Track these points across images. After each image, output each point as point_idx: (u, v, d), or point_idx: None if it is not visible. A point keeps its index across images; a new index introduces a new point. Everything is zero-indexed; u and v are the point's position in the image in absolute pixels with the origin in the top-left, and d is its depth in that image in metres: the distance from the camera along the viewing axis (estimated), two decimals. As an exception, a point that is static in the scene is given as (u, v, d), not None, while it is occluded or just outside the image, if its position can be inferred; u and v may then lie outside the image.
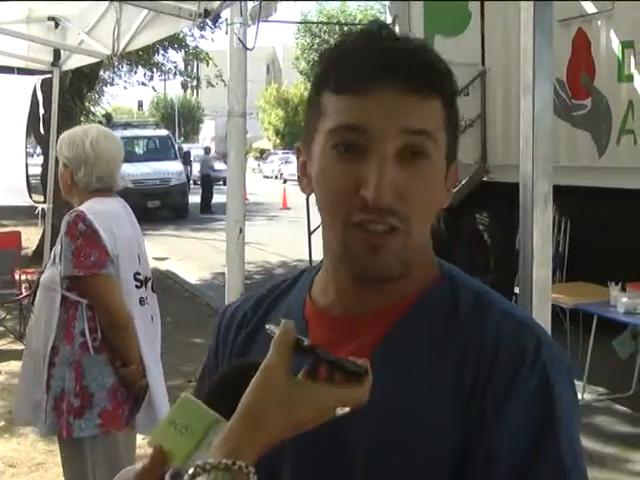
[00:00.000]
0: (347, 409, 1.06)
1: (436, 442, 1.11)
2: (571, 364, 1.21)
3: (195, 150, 38.88)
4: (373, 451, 1.14)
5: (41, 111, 7.82)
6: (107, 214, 3.48)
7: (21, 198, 8.62)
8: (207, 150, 30.19)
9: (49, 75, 7.54)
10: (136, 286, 3.58)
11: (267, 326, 1.14)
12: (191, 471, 1.01)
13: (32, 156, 17.60)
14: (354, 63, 1.13)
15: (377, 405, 1.11)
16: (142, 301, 3.61)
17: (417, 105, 1.12)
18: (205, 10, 4.35)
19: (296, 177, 1.29)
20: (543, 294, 1.95)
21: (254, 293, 1.41)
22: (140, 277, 3.62)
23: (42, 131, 7.96)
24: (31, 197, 8.91)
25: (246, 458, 1.01)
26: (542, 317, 1.95)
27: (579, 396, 6.84)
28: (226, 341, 1.36)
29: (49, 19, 6.64)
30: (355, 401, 1.05)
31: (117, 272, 3.45)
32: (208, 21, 4.67)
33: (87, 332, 3.37)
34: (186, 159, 27.79)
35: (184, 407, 1.13)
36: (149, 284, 3.68)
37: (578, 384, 6.91)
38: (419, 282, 1.21)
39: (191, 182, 27.63)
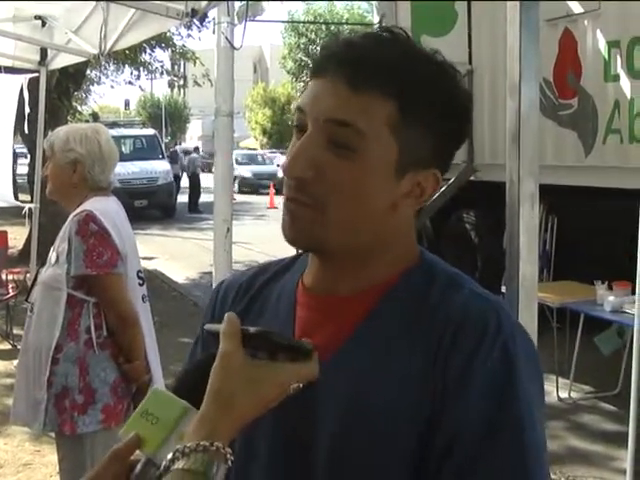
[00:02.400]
0: (300, 385, 1.12)
1: (403, 426, 1.14)
2: (531, 339, 1.24)
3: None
4: (340, 431, 1.17)
5: (27, 110, 7.79)
6: (112, 213, 3.51)
7: (6, 200, 8.58)
8: (196, 149, 30.11)
9: (36, 74, 7.52)
10: (139, 284, 3.63)
11: (205, 326, 1.23)
12: (170, 456, 1.05)
13: (25, 157, 17.53)
14: (321, 53, 1.20)
15: (346, 389, 1.17)
16: (144, 298, 3.66)
17: (347, 97, 1.14)
18: (192, 9, 4.35)
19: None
20: (530, 292, 1.96)
21: (249, 270, 1.45)
22: (142, 275, 3.68)
23: (27, 130, 7.93)
24: (17, 197, 8.88)
25: (221, 439, 1.05)
26: (529, 315, 1.96)
27: (566, 394, 6.88)
28: (223, 311, 1.36)
29: (36, 18, 6.63)
30: (307, 376, 1.12)
31: (125, 270, 3.49)
32: (195, 20, 4.68)
33: (92, 329, 3.39)
34: (173, 158, 27.69)
35: (155, 399, 1.16)
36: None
37: (565, 382, 6.95)
38: (397, 268, 1.25)
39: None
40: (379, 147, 1.15)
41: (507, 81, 1.99)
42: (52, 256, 3.49)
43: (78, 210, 3.43)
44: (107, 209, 3.50)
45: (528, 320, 1.94)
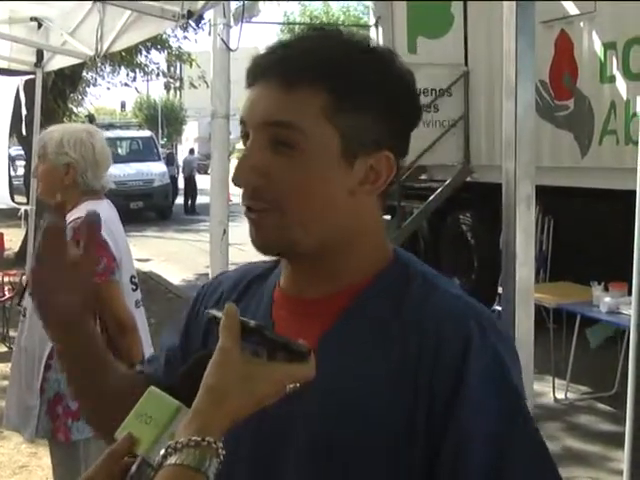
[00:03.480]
0: (297, 385, 1.11)
1: (379, 424, 1.15)
2: (509, 335, 1.26)
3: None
4: (319, 433, 1.18)
5: (23, 112, 7.78)
6: (106, 219, 3.44)
7: (3, 202, 8.56)
8: (192, 151, 30.11)
9: (32, 76, 7.50)
10: (132, 289, 3.59)
11: (207, 311, 1.20)
12: (163, 452, 1.05)
13: (23, 159, 17.45)
14: (253, 61, 1.22)
15: (323, 391, 1.17)
16: (137, 304, 3.63)
17: (280, 98, 1.16)
18: (188, 11, 4.33)
19: None
20: (526, 294, 1.96)
21: (232, 273, 1.46)
22: (135, 280, 3.63)
23: (24, 132, 7.91)
24: (13, 199, 8.86)
25: (213, 434, 1.05)
26: (525, 316, 1.96)
27: (562, 395, 6.89)
28: (201, 316, 1.40)
29: (32, 19, 6.61)
30: (304, 377, 1.10)
31: (120, 276, 3.45)
32: (191, 22, 4.67)
33: None
34: (169, 160, 27.67)
35: (149, 399, 1.17)
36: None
37: (561, 383, 6.95)
38: (371, 268, 1.25)
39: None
40: (319, 138, 1.16)
41: (503, 83, 1.99)
42: None
43: (73, 217, 3.34)
44: (102, 214, 3.45)
45: (524, 321, 1.94)
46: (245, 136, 1.21)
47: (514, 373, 1.17)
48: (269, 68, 1.18)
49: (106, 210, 3.54)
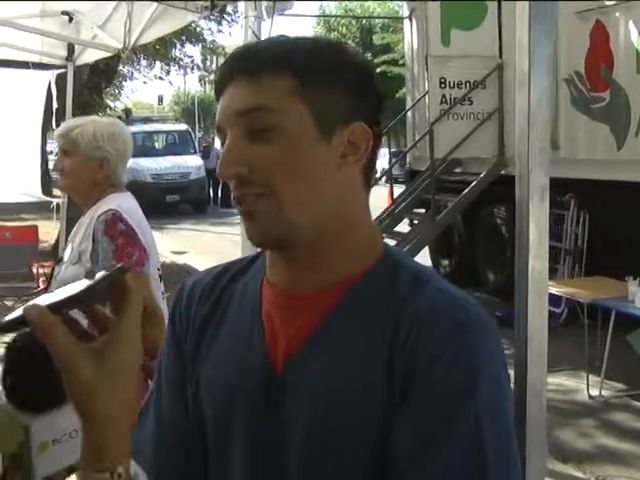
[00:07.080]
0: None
1: (370, 419, 1.14)
2: (499, 338, 1.21)
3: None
4: (309, 430, 1.18)
5: (54, 105, 7.82)
6: (134, 211, 3.46)
7: (35, 195, 8.62)
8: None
9: (64, 70, 7.55)
10: (158, 281, 3.59)
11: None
12: None
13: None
14: (218, 73, 1.27)
15: (313, 388, 1.18)
16: (163, 294, 3.63)
17: (247, 88, 1.20)
18: (212, 3, 4.32)
19: None
20: (540, 287, 1.92)
21: (213, 269, 1.46)
22: (160, 272, 3.62)
23: (54, 126, 7.95)
24: (51, 193, 8.91)
25: (122, 457, 1.00)
26: (538, 311, 1.92)
27: (597, 392, 6.80)
28: (188, 314, 1.43)
29: (63, 13, 6.65)
30: (138, 307, 1.13)
31: (148, 268, 3.42)
32: (225, 15, 4.67)
33: None
34: (206, 153, 27.79)
35: None
36: None
37: (596, 380, 6.86)
38: (362, 262, 1.25)
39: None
40: (292, 115, 1.19)
41: (516, 74, 1.96)
42: (71, 255, 3.41)
43: (102, 209, 3.35)
44: (130, 207, 3.45)
45: (538, 316, 1.90)
46: (224, 142, 1.24)
47: (486, 373, 1.13)
48: (234, 71, 1.22)
49: (132, 203, 3.55)
